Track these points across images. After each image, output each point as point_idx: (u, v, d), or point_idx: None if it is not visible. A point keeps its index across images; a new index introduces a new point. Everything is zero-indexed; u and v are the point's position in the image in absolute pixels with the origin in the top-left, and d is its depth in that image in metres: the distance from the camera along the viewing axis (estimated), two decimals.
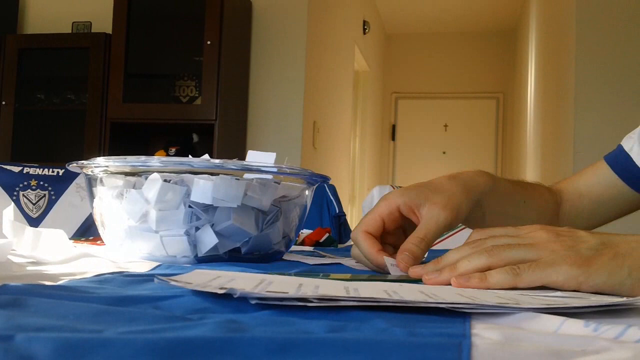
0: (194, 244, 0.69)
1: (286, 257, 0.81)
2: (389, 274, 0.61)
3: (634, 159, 0.84)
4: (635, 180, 0.85)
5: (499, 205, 0.76)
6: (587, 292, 0.46)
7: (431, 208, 0.65)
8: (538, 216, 0.83)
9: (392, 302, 0.35)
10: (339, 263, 0.76)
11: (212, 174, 0.70)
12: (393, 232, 0.69)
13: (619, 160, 0.86)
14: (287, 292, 0.36)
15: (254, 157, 0.78)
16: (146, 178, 0.69)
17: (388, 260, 0.62)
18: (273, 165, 0.74)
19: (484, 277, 0.49)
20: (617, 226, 0.81)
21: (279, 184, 0.75)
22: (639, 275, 0.47)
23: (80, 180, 1.44)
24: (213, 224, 0.69)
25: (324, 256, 0.87)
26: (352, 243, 0.71)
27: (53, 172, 1.45)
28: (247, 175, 0.72)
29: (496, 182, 0.76)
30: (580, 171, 0.91)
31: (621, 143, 0.88)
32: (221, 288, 0.37)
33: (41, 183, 1.42)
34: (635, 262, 0.48)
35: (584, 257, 0.48)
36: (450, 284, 0.50)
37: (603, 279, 0.47)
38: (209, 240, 0.68)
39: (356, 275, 0.56)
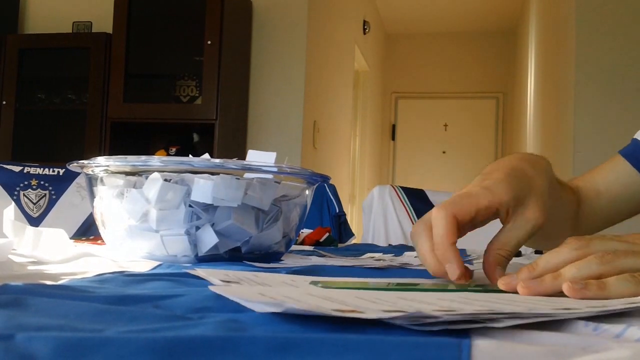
0: (194, 244, 0.69)
1: (286, 256, 0.81)
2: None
3: None
4: None
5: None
6: None
7: (528, 217, 0.55)
8: (567, 214, 0.78)
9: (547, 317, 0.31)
10: (358, 265, 0.75)
11: (212, 173, 0.70)
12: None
13: (637, 154, 0.82)
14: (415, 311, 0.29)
15: (254, 156, 0.78)
16: (147, 177, 0.69)
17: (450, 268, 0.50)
18: (273, 164, 0.74)
19: (602, 286, 0.42)
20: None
21: (279, 183, 0.75)
22: None
23: (80, 180, 1.44)
24: (213, 224, 0.69)
25: (324, 256, 0.87)
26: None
27: (53, 171, 1.45)
28: (247, 175, 0.72)
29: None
30: (595, 168, 0.86)
31: (636, 136, 0.84)
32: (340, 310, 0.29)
33: (42, 183, 1.43)
34: None
35: None
36: (551, 295, 0.44)
37: None
38: (209, 239, 0.68)
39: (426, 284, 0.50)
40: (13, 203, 1.35)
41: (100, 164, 0.72)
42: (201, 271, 0.52)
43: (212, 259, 0.70)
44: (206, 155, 0.85)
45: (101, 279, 0.48)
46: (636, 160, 0.82)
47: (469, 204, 0.53)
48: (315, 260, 0.77)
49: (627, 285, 0.42)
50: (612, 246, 0.46)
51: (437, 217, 0.52)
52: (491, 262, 0.53)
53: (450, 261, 0.50)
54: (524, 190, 0.56)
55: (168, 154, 3.09)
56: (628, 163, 0.82)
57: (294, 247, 1.00)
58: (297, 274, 0.57)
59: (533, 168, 0.59)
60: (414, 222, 1.80)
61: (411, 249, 1.16)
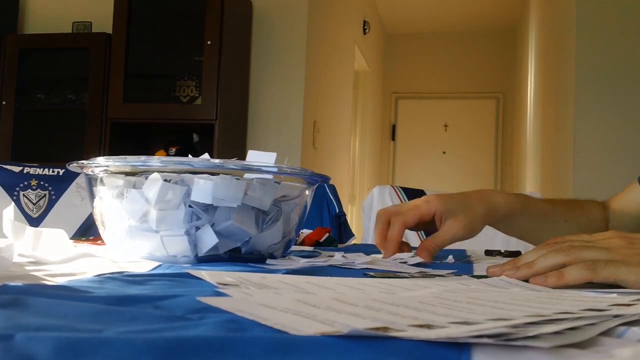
0: (194, 244, 0.69)
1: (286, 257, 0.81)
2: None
3: None
4: None
5: (532, 223, 0.88)
6: None
7: (453, 224, 0.81)
8: (581, 232, 0.88)
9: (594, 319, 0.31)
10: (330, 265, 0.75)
11: (212, 173, 0.70)
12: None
13: None
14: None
15: (254, 157, 0.78)
16: (146, 178, 0.69)
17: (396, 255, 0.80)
18: (273, 165, 0.74)
19: (560, 275, 0.51)
20: None
21: (279, 183, 0.75)
22: None
23: (80, 180, 1.44)
24: (213, 224, 0.69)
25: (319, 254, 0.87)
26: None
27: (53, 172, 1.45)
28: (247, 175, 0.72)
29: (530, 205, 0.88)
30: (627, 186, 0.97)
31: None
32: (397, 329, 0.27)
33: (41, 183, 1.43)
34: None
35: None
36: (527, 281, 0.54)
37: None
38: (209, 240, 0.68)
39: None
40: (13, 203, 1.36)
41: (100, 164, 0.72)
42: (205, 273, 0.52)
43: (212, 259, 0.70)
44: (206, 155, 0.84)
45: (101, 279, 0.48)
46: None
47: (414, 214, 0.82)
48: (329, 261, 0.77)
49: (581, 272, 0.51)
50: (579, 243, 0.56)
51: (393, 224, 0.82)
52: (423, 247, 0.79)
53: (390, 252, 0.80)
54: (458, 208, 0.81)
55: (168, 154, 3.09)
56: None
57: (294, 247, 1.00)
58: (297, 274, 0.57)
59: (479, 199, 0.84)
60: None
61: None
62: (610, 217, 0.94)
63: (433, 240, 0.80)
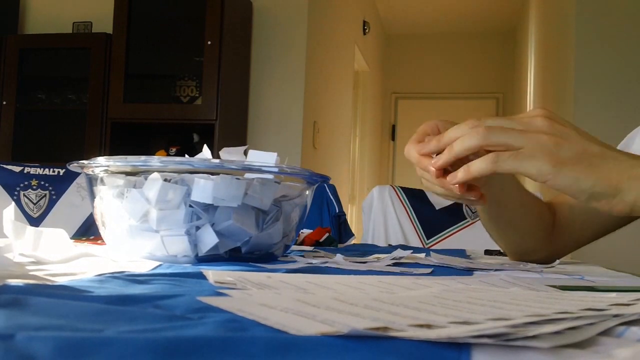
0: (194, 244, 0.69)
1: (285, 257, 0.81)
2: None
3: None
4: None
5: (502, 194, 0.78)
6: (552, 188, 0.51)
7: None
8: (537, 222, 0.84)
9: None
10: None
11: (212, 173, 0.70)
12: None
13: None
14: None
15: (254, 156, 0.78)
16: (146, 178, 0.69)
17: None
18: (273, 165, 0.74)
19: (467, 169, 0.54)
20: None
21: (279, 183, 0.75)
22: (601, 190, 0.52)
23: (80, 180, 1.44)
24: (213, 224, 0.69)
25: (323, 256, 0.87)
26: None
27: (54, 171, 1.45)
28: (247, 175, 0.72)
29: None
30: None
31: None
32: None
33: (42, 183, 1.43)
34: (601, 178, 0.52)
35: (562, 158, 0.52)
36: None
37: (569, 183, 0.52)
38: (209, 239, 0.68)
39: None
40: (13, 203, 1.35)
41: (101, 164, 0.72)
42: (211, 273, 0.52)
43: (212, 259, 0.70)
44: (207, 150, 0.85)
45: (101, 279, 0.48)
46: None
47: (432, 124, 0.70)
48: (330, 261, 0.77)
49: (485, 165, 0.53)
50: (498, 122, 0.55)
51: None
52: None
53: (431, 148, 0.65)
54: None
55: (168, 154, 3.09)
56: None
57: (293, 247, 1.00)
58: (297, 274, 0.57)
59: None
60: (413, 222, 1.80)
61: (410, 248, 1.16)
62: (556, 213, 0.87)
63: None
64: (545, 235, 0.85)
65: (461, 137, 0.55)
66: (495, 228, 0.85)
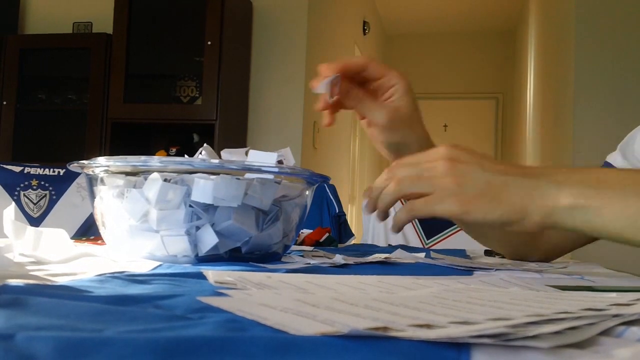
0: (194, 244, 0.69)
1: (286, 257, 0.81)
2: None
3: None
4: None
5: None
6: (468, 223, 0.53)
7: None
8: (516, 239, 0.87)
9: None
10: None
11: (212, 173, 0.70)
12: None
13: None
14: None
15: (255, 156, 0.78)
16: (146, 178, 0.69)
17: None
18: (273, 165, 0.74)
19: (395, 221, 0.60)
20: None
21: (279, 183, 0.75)
22: (509, 217, 0.55)
23: (81, 180, 1.44)
24: (213, 224, 0.69)
25: (322, 256, 0.87)
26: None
27: (54, 172, 1.45)
28: (247, 175, 0.72)
29: None
30: None
31: (607, 159, 0.89)
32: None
33: (42, 183, 1.43)
34: (507, 207, 0.55)
35: (467, 196, 0.56)
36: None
37: (479, 217, 0.56)
38: (209, 239, 0.68)
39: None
40: (13, 203, 1.35)
41: (101, 164, 0.72)
42: (210, 273, 0.52)
43: (212, 259, 0.70)
44: (208, 148, 0.85)
45: (101, 279, 0.48)
46: None
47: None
48: (334, 260, 0.77)
49: (405, 215, 0.58)
50: (407, 172, 0.59)
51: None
52: None
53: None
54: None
55: (168, 154, 3.09)
56: None
57: (293, 248, 1.00)
58: (297, 274, 0.57)
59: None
60: (413, 222, 1.80)
61: (410, 248, 1.16)
62: None
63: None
64: (532, 240, 0.86)
65: (380, 196, 0.60)
66: (483, 241, 0.89)
